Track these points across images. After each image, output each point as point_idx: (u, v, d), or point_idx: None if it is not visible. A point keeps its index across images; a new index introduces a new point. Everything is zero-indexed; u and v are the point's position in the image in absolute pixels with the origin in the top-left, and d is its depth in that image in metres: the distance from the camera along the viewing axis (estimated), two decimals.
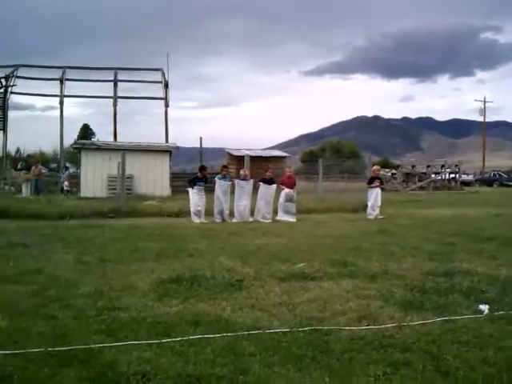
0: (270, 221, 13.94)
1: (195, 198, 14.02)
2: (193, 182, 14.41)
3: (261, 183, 14.57)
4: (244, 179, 14.77)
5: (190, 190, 14.34)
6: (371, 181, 15.87)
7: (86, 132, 72.59)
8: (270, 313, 4.66)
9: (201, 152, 29.43)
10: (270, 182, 14.78)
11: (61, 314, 4.58)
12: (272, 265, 6.98)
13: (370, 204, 15.22)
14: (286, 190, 14.64)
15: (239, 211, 14.15)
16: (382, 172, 45.00)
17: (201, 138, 28.53)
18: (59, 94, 35.55)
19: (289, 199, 14.56)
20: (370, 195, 15.33)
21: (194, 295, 5.29)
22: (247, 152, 25.86)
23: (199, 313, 4.62)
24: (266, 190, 14.43)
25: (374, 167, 17.10)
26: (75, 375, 3.22)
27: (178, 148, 29.59)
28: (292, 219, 14.11)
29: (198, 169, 15.49)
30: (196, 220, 13.73)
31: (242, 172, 15.26)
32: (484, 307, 4.74)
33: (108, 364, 3.39)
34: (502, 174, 63.42)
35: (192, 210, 14.00)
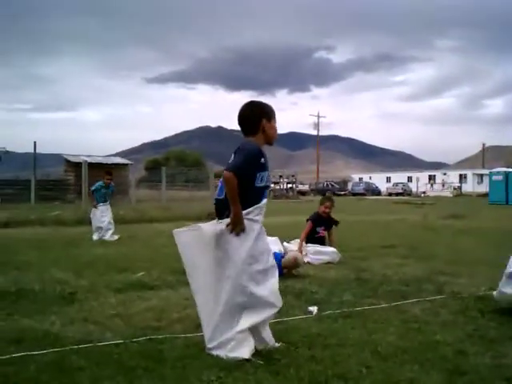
0: None
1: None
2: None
3: None
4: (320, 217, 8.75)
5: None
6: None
7: None
8: (103, 325, 4.44)
9: (34, 157, 27.52)
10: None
11: None
12: (109, 275, 6.71)
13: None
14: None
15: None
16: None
17: (35, 143, 26.71)
18: None
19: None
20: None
21: (19, 311, 4.87)
22: (86, 159, 24.75)
23: (24, 329, 4.25)
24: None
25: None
26: None
27: (7, 152, 27.41)
28: None
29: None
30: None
31: (323, 209, 8.71)
32: (313, 308, 4.99)
33: None
34: (334, 184, 69.15)
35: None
